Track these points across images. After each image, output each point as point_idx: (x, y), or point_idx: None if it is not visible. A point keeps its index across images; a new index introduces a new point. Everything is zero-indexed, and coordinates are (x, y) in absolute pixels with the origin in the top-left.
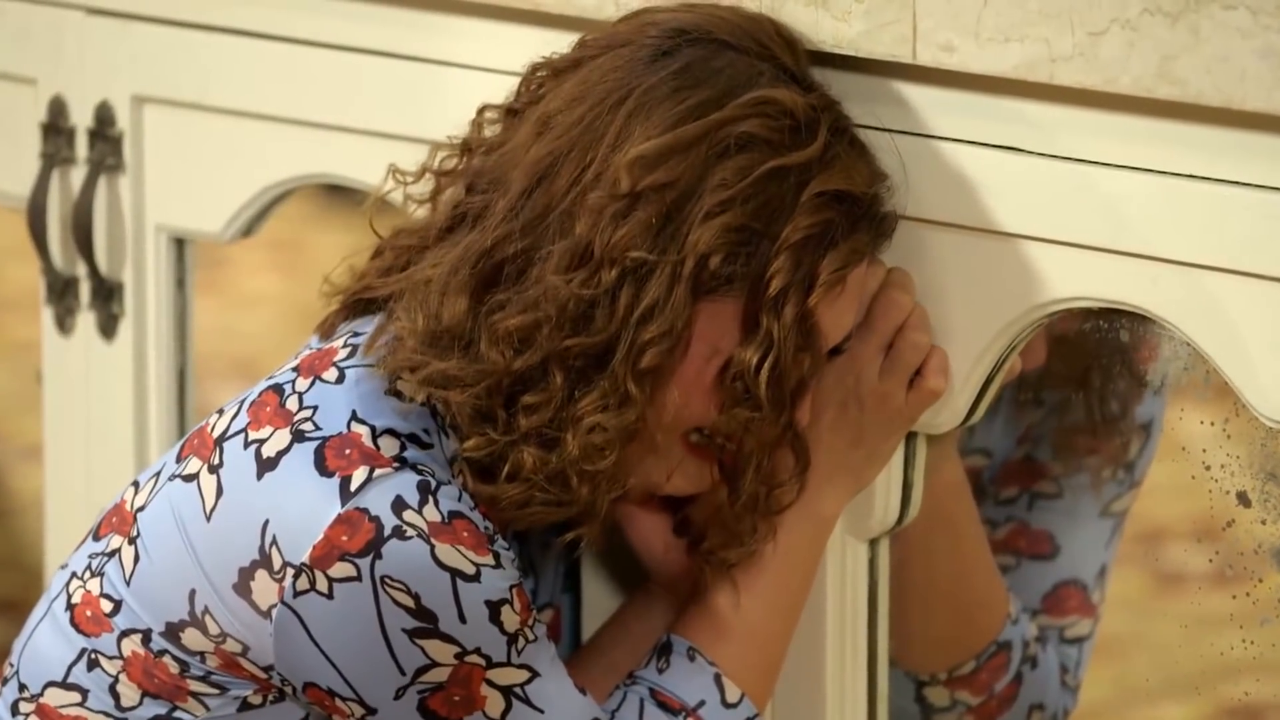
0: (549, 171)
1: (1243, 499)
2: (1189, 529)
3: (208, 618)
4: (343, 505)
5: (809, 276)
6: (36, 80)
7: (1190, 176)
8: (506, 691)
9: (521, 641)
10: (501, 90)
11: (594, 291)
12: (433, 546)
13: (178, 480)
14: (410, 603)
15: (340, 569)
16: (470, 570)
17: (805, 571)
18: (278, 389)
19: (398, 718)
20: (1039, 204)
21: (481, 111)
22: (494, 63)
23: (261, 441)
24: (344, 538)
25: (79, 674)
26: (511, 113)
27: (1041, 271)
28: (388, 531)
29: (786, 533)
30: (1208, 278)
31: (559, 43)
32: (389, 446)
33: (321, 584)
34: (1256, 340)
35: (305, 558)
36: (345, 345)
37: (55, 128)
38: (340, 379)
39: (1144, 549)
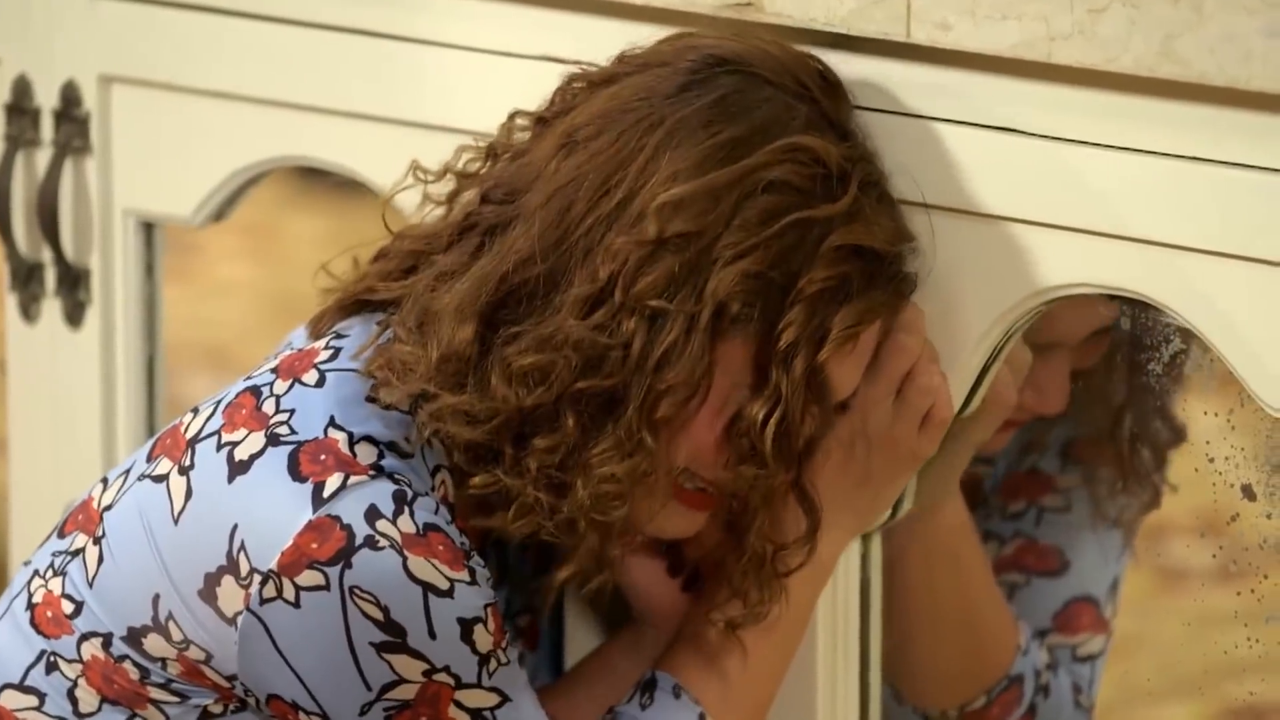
0: (572, 195)
1: (1248, 492)
2: (1192, 523)
3: (171, 624)
4: (314, 512)
5: (821, 330)
6: (0, 59)
7: (1194, 159)
8: (475, 715)
9: (494, 664)
10: (480, 70)
11: (612, 339)
12: (405, 558)
13: (147, 481)
14: (379, 615)
15: (308, 577)
16: (444, 585)
17: (800, 613)
18: (255, 391)
19: None
20: (1037, 187)
21: (513, 117)
22: (474, 41)
23: (235, 444)
24: (313, 545)
25: (36, 677)
26: (541, 121)
27: (1040, 257)
28: (359, 540)
29: None
30: (1213, 263)
31: (539, 21)
32: (366, 454)
33: (289, 592)
34: (1263, 328)
35: (273, 564)
36: (327, 347)
37: (19, 108)
38: (320, 382)
39: (1145, 544)
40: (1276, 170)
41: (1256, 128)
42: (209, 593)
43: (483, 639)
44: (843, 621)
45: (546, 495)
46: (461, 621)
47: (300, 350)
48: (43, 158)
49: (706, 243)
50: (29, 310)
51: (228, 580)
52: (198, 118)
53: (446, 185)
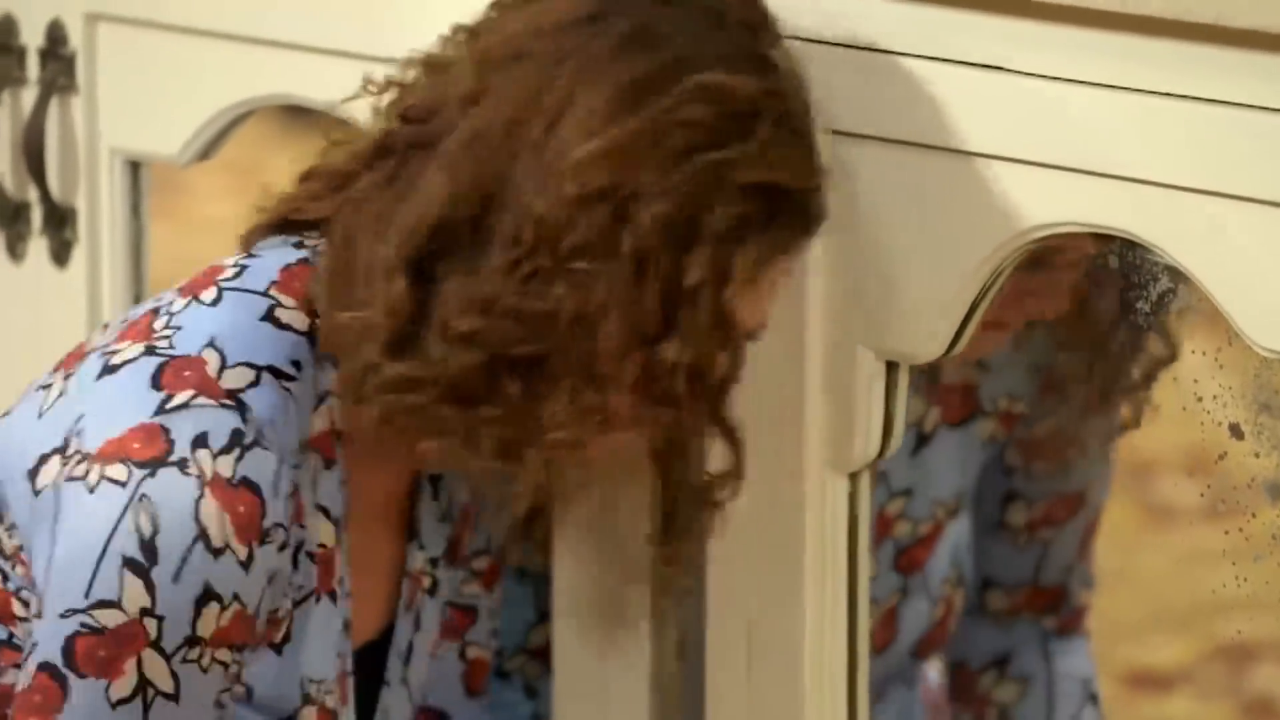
0: (487, 137)
1: (1235, 431)
2: (1180, 462)
3: (5, 509)
4: (150, 416)
5: (726, 269)
6: None
7: (1181, 96)
8: (141, 685)
9: (197, 654)
10: (466, 6)
11: (545, 303)
12: (202, 495)
13: (39, 390)
14: (147, 531)
15: (115, 470)
16: (217, 543)
17: None
18: (156, 310)
19: (46, 639)
20: (1021, 125)
21: (455, 31)
22: None
23: (115, 353)
24: (135, 445)
25: None
26: (473, 35)
27: (1025, 196)
28: (173, 458)
29: None
30: (1199, 201)
31: None
32: (236, 379)
33: (93, 476)
34: (1249, 266)
35: (94, 448)
36: (235, 264)
37: (5, 47)
38: (216, 300)
39: (1134, 481)
40: (1263, 108)
41: (1243, 65)
42: (35, 470)
43: (208, 622)
44: (831, 559)
45: (502, 463)
46: (207, 587)
47: (209, 267)
48: (28, 96)
49: (623, 195)
50: (15, 249)
51: (55, 459)
52: (184, 56)
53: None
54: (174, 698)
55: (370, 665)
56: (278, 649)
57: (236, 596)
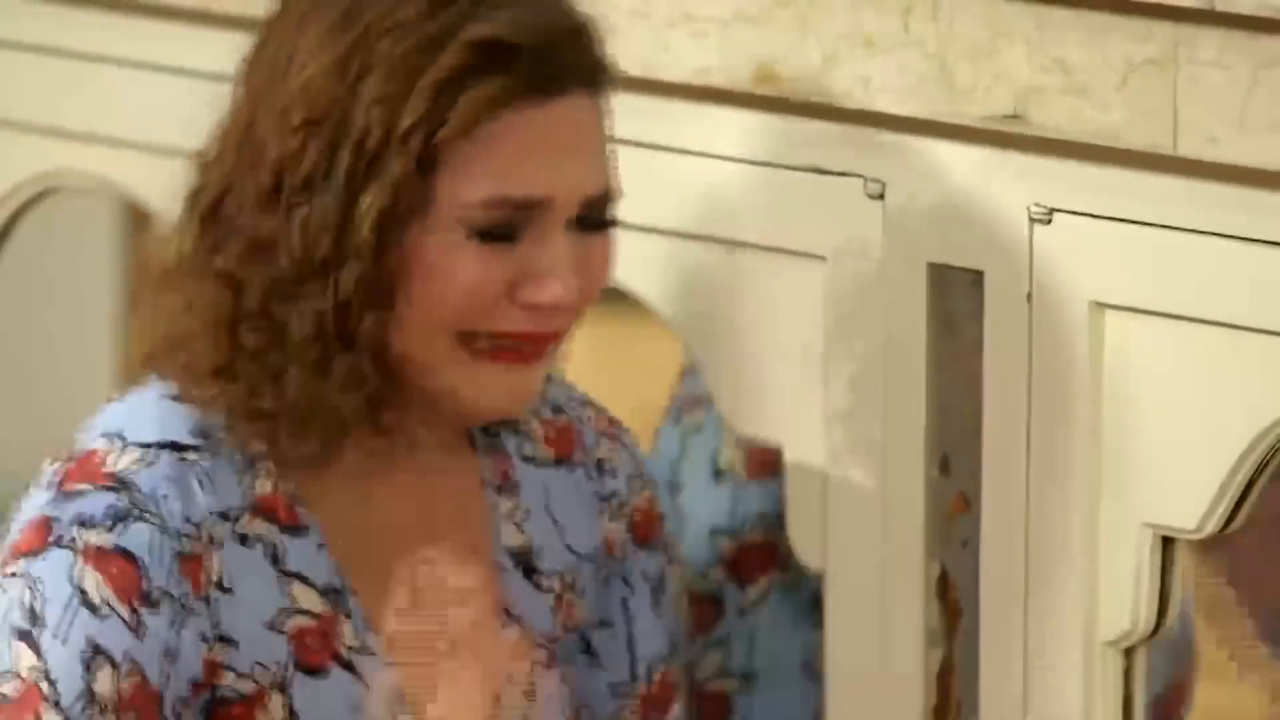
0: (239, 102)
1: None
2: None
3: None
4: (40, 511)
5: (441, 118)
6: None
7: None
8: None
9: (97, 713)
10: None
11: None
12: (76, 562)
13: None
14: (33, 602)
15: (10, 567)
16: (96, 601)
17: None
18: None
19: None
20: None
21: None
22: None
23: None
24: (26, 540)
25: None
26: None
27: None
28: (53, 538)
29: None
30: None
31: None
32: (125, 461)
33: (5, 570)
34: None
35: (7, 547)
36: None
37: None
38: (133, 393)
39: None
40: None
41: None
42: None
43: (103, 683)
44: None
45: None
46: (92, 644)
47: None
48: None
49: (345, 114)
50: None
51: None
52: None
53: None
54: None
55: None
56: None
57: (132, 660)
